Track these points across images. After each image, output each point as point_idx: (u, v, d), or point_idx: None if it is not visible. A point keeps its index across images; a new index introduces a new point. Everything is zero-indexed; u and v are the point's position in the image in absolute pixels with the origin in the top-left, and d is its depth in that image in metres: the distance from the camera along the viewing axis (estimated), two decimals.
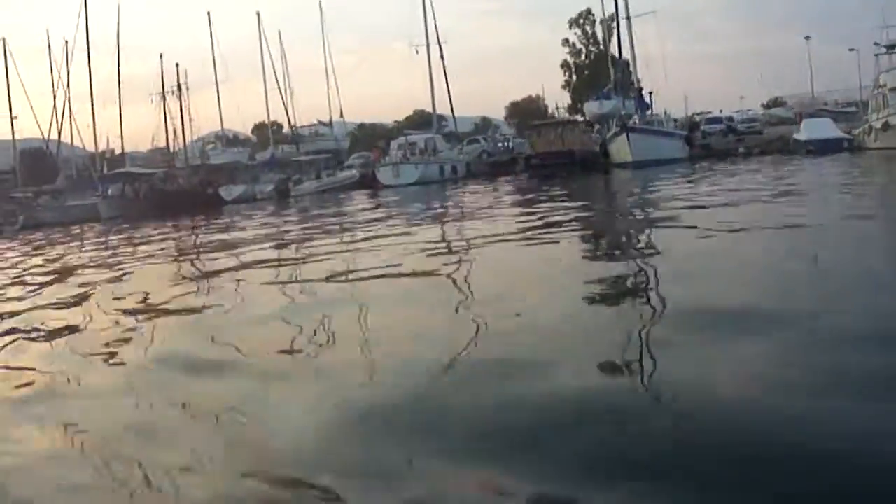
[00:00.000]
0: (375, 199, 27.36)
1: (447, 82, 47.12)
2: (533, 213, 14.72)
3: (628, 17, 37.79)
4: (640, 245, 8.96)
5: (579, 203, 16.62)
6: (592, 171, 27.84)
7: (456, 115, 50.95)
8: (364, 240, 12.31)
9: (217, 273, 9.87)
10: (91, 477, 2.92)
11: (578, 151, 33.20)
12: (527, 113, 67.10)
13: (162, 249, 15.23)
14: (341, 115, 59.51)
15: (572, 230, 11.39)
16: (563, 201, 17.29)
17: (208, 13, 54.11)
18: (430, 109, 48.65)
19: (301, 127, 59.40)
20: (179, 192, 39.79)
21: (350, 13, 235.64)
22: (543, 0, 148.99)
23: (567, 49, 64.86)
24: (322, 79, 56.18)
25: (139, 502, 2.67)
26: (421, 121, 60.10)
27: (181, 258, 13.30)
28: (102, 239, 22.62)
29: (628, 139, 30.52)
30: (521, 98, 78.32)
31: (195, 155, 53.32)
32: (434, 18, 47.96)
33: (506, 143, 48.23)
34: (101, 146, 52.17)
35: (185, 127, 49.72)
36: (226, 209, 34.81)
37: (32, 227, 39.82)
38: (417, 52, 46.66)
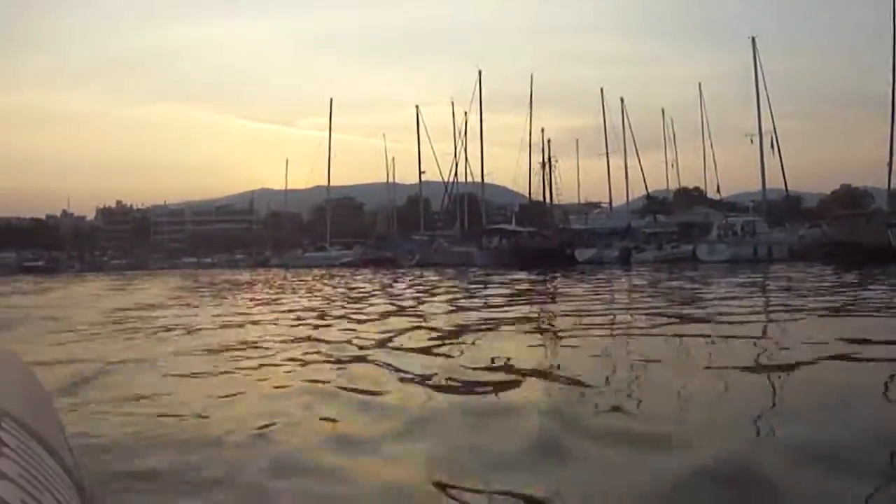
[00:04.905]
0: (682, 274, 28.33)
1: (783, 171, 49.52)
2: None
3: None
4: None
5: None
6: (878, 262, 27.27)
7: None
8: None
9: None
10: None
11: (866, 242, 32.96)
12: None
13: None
14: (718, 190, 63.04)
15: None
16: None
17: (601, 88, 62.40)
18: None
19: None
20: (539, 248, 45.55)
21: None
22: None
23: None
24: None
25: None
26: (847, 197, 61.88)
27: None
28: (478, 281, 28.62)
29: (890, 232, 31.97)
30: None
31: (579, 217, 61.14)
32: (770, 111, 49.69)
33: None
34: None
35: (555, 192, 58.05)
36: (577, 268, 39.67)
37: (423, 265, 48.87)
38: (752, 141, 49.43)
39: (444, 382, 5.37)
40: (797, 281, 19.88)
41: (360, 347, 7.79)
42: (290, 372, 6.23)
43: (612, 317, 11.72)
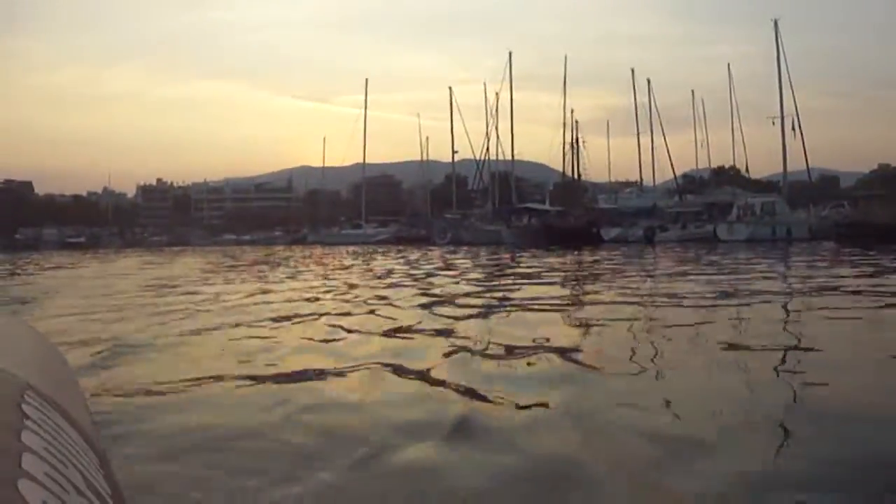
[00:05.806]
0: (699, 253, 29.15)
1: (805, 153, 50.70)
2: None
3: None
4: None
5: None
6: (890, 241, 27.68)
7: None
8: None
9: None
10: None
11: (880, 222, 33.25)
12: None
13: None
14: (746, 169, 64.41)
15: None
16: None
17: (632, 69, 63.48)
18: None
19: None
20: (566, 228, 46.33)
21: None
22: None
23: None
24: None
25: None
26: (886, 174, 62.82)
27: None
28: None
29: None
30: None
31: (610, 196, 62.04)
32: (792, 93, 50.65)
33: None
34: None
35: (582, 173, 59.49)
36: (604, 247, 40.49)
37: (455, 243, 50.21)
38: (774, 123, 50.96)
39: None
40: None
41: None
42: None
43: None
